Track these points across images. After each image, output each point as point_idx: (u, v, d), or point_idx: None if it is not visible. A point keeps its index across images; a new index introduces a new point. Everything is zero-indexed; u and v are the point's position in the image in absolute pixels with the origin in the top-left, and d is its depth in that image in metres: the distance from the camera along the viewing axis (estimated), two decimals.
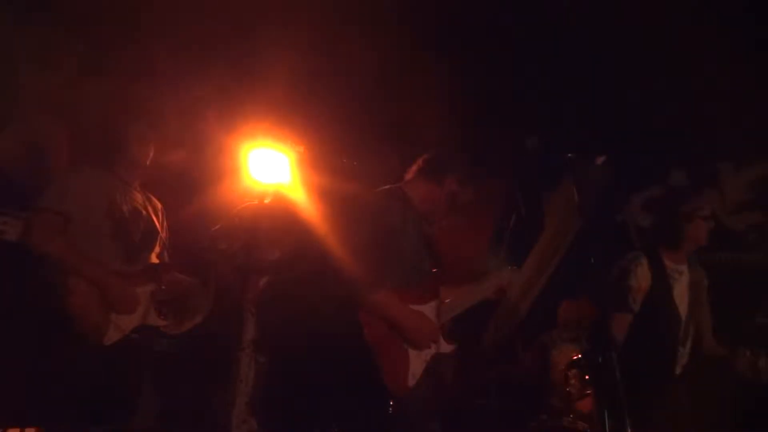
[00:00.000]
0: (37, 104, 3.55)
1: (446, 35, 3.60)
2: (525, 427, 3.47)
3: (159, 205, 3.01)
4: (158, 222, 2.92)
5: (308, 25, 3.61)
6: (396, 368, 2.19)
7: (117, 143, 2.77)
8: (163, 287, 2.73)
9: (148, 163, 2.84)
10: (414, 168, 2.61)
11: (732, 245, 3.08)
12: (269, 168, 3.00)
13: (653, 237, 2.98)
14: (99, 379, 2.47)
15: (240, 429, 2.48)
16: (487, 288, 2.67)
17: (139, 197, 2.87)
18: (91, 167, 2.75)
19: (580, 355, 3.66)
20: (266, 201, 3.02)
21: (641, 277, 2.82)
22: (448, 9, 3.36)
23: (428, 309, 2.38)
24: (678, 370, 2.90)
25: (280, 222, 2.96)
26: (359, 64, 3.89)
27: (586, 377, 3.52)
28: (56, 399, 2.42)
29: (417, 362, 2.26)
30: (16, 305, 2.80)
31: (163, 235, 2.91)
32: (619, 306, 2.78)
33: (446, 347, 2.43)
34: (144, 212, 2.83)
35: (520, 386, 4.48)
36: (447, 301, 2.51)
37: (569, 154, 2.31)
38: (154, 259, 2.85)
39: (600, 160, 3.19)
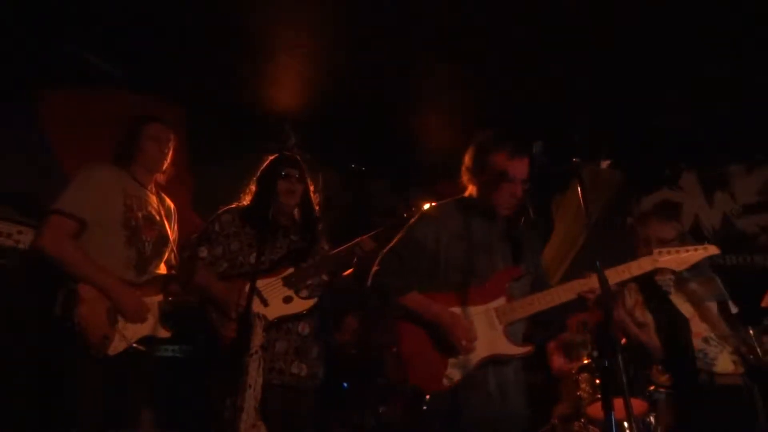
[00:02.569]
0: None
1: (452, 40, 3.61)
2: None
3: (172, 207, 2.99)
4: (169, 226, 2.90)
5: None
6: (429, 371, 2.23)
7: (135, 145, 2.76)
8: (170, 298, 2.72)
9: (164, 165, 2.85)
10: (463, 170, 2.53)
11: (744, 247, 3.05)
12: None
13: None
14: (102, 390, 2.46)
15: None
16: (568, 291, 2.37)
17: (153, 200, 2.83)
18: (109, 167, 2.73)
19: (590, 360, 3.65)
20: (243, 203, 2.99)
21: None
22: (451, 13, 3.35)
23: (487, 309, 2.33)
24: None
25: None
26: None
27: (597, 381, 3.50)
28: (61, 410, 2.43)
29: (457, 367, 2.25)
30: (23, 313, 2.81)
31: (172, 238, 2.89)
32: None
33: (507, 347, 2.30)
34: (158, 217, 2.81)
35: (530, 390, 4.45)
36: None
37: (575, 159, 2.28)
38: (162, 268, 2.83)
39: (605, 164, 3.20)
